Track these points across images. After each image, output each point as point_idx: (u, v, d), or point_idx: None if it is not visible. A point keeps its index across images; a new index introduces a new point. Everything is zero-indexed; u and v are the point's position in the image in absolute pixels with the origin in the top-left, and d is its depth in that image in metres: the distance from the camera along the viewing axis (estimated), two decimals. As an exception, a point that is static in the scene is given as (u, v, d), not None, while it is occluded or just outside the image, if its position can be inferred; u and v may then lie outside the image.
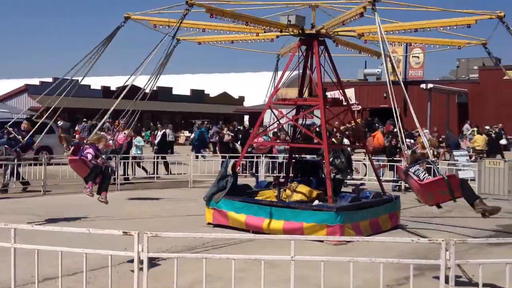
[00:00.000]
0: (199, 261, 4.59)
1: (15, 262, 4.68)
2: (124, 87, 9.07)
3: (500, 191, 13.32)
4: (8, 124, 10.70)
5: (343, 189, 11.20)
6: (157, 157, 17.12)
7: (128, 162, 15.69)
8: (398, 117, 8.18)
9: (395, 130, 19.13)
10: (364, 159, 16.50)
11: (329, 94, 11.68)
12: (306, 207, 8.73)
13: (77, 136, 29.66)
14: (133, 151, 16.41)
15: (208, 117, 43.63)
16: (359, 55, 12.04)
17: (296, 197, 9.29)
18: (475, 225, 10.06)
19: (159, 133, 20.78)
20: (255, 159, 16.24)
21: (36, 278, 4.74)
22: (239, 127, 29.48)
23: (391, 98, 7.96)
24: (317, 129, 13.88)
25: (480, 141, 23.02)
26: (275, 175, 14.87)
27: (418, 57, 34.36)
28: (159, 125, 27.58)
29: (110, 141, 10.60)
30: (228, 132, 22.40)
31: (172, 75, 66.47)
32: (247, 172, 16.38)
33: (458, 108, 34.16)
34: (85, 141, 8.87)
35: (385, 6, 9.08)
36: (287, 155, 12.61)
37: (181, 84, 56.64)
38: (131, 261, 4.57)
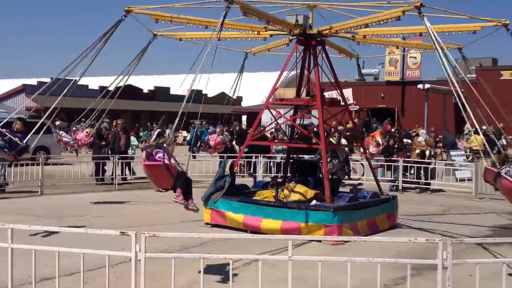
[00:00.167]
0: (196, 261, 4.59)
1: (12, 262, 4.67)
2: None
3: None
4: (0, 125, 10.00)
5: (341, 189, 11.21)
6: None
7: (125, 162, 15.67)
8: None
9: (393, 130, 19.23)
10: (362, 158, 16.52)
11: (327, 94, 11.68)
12: (303, 207, 8.73)
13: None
14: (130, 152, 16.39)
15: (206, 117, 43.63)
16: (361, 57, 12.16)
17: (294, 197, 9.29)
18: (472, 225, 10.09)
19: (154, 133, 20.71)
20: (253, 159, 16.24)
21: (33, 278, 4.73)
22: (237, 127, 29.47)
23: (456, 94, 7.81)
24: (315, 129, 13.89)
25: (477, 141, 23.05)
26: (272, 175, 14.88)
27: (415, 57, 34.39)
28: (154, 125, 27.50)
29: (71, 141, 10.29)
30: (226, 133, 22.40)
31: (169, 75, 66.47)
32: (245, 172, 16.38)
33: (454, 108, 34.26)
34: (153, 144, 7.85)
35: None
36: (285, 155, 12.62)
37: (178, 84, 56.61)
38: (129, 261, 4.57)
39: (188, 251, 7.26)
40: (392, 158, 15.10)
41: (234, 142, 18.92)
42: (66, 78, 9.68)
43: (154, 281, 5.78)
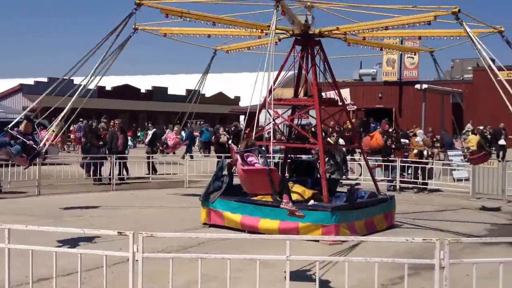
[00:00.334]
0: (194, 261, 4.59)
1: (9, 263, 4.67)
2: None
3: (494, 191, 13.40)
4: (9, 126, 9.23)
5: (339, 189, 11.22)
6: (149, 157, 16.99)
7: (122, 162, 15.64)
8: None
9: (390, 130, 19.26)
10: (359, 159, 16.53)
11: (324, 95, 11.70)
12: (301, 207, 8.71)
13: (72, 136, 29.60)
14: (127, 152, 16.36)
15: (204, 117, 43.60)
16: (356, 56, 12.14)
17: (292, 197, 9.29)
18: (470, 224, 10.12)
19: (150, 133, 20.68)
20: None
21: (30, 278, 4.72)
22: (233, 127, 29.46)
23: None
24: (313, 129, 13.90)
25: (474, 141, 23.10)
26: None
27: (412, 57, 34.46)
28: (149, 125, 27.45)
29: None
30: (224, 132, 22.41)
31: (167, 75, 66.41)
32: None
33: (452, 108, 34.35)
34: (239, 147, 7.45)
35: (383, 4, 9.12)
36: (283, 155, 12.62)
37: (176, 84, 56.62)
38: (127, 261, 4.56)
39: (186, 251, 7.25)
40: (389, 158, 15.12)
41: (230, 142, 18.90)
42: (64, 78, 9.59)
43: (152, 281, 5.78)
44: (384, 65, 36.13)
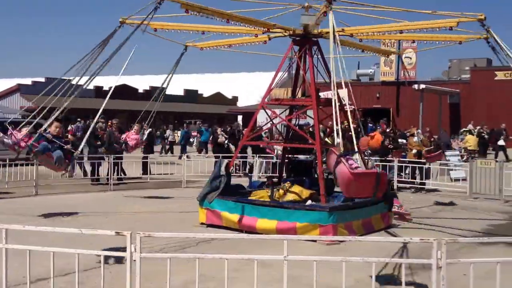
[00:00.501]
0: (192, 261, 4.59)
1: (6, 263, 4.66)
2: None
3: (491, 191, 13.42)
4: (42, 129, 8.53)
5: (336, 189, 11.22)
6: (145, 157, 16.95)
7: (121, 162, 15.62)
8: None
9: (388, 130, 19.26)
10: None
11: (322, 95, 11.70)
12: (299, 207, 8.74)
13: (69, 136, 29.49)
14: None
15: (201, 117, 43.58)
16: (359, 55, 12.17)
17: (289, 197, 9.31)
18: (467, 224, 10.14)
19: (145, 132, 20.57)
20: (248, 159, 16.23)
21: (28, 278, 4.72)
22: (229, 127, 29.49)
23: None
24: (310, 129, 13.91)
25: (471, 141, 23.17)
26: (268, 175, 14.89)
27: (410, 57, 34.52)
28: (145, 125, 27.34)
29: (9, 141, 8.88)
30: (222, 132, 22.38)
31: (165, 75, 66.21)
32: (241, 172, 16.37)
33: (450, 108, 34.42)
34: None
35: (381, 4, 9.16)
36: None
37: (174, 84, 56.56)
38: (124, 261, 4.56)
39: (183, 251, 7.25)
40: (387, 158, 15.14)
41: (226, 141, 18.92)
42: (63, 78, 9.56)
43: (149, 281, 5.78)
44: (381, 65, 36.19)
